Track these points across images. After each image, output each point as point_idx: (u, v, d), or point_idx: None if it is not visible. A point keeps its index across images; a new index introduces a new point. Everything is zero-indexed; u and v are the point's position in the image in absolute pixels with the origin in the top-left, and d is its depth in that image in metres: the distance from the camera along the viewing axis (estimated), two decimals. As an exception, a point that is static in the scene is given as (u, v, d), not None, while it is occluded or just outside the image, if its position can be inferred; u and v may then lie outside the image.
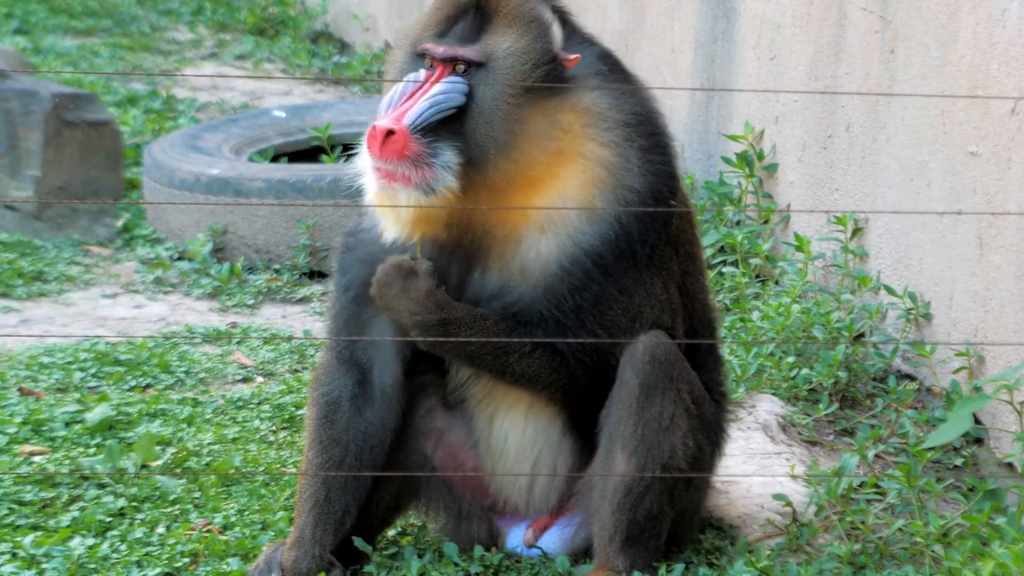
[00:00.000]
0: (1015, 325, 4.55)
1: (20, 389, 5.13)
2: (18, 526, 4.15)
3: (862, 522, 4.16)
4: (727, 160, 6.19)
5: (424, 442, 3.94)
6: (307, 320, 6.09)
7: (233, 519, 4.20)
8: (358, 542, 3.90)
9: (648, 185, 3.75)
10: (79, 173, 7.04)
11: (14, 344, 5.60)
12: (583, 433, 3.85)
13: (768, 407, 4.88)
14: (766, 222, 6.04)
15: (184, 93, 9.43)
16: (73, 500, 4.31)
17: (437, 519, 4.02)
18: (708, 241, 5.95)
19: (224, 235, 6.56)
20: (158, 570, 3.93)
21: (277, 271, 6.49)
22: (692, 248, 3.95)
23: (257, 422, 4.90)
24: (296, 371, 5.46)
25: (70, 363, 5.35)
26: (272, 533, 4.11)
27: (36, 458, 4.57)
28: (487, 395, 3.88)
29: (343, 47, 10.73)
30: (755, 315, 5.35)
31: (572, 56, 3.74)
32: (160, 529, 4.14)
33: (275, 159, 7.42)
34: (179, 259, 6.61)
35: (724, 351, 4.88)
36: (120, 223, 6.95)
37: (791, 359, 5.10)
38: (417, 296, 3.68)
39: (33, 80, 7.17)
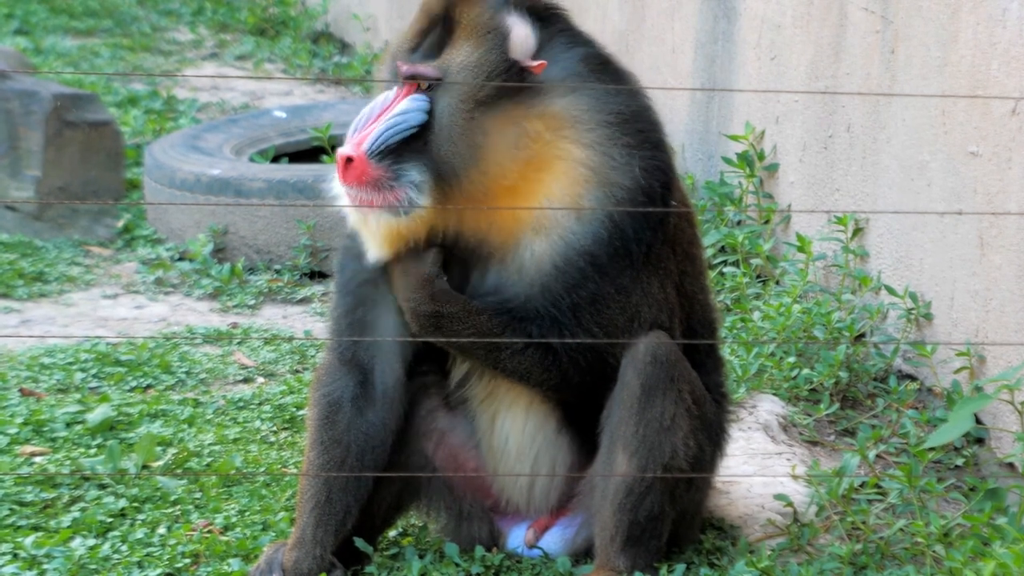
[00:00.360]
0: (1016, 325, 4.55)
1: (21, 390, 5.13)
2: (19, 527, 4.15)
3: (863, 522, 4.16)
4: (728, 160, 6.19)
5: (425, 443, 3.94)
6: (308, 320, 6.09)
7: (234, 520, 4.20)
8: (359, 543, 3.90)
9: (638, 182, 3.72)
10: (80, 173, 7.04)
11: (15, 345, 5.60)
12: (583, 432, 3.85)
13: (769, 407, 4.88)
14: (767, 222, 6.04)
15: (185, 93, 9.43)
16: (74, 501, 4.31)
17: (438, 520, 4.02)
18: (709, 241, 5.95)
19: (225, 235, 6.56)
20: (159, 571, 3.93)
21: (278, 271, 6.49)
22: (690, 248, 3.94)
23: (258, 423, 4.90)
24: (297, 372, 5.46)
25: (71, 364, 5.35)
26: (273, 534, 4.11)
27: (37, 459, 4.57)
28: (489, 395, 3.89)
29: (344, 47, 10.73)
30: (756, 315, 5.35)
31: (536, 63, 3.71)
32: (161, 530, 4.14)
33: (276, 159, 7.42)
34: (180, 259, 6.61)
35: (725, 351, 4.88)
36: (121, 223, 6.95)
37: (792, 359, 5.10)
38: (415, 281, 3.68)
39: (34, 80, 7.17)
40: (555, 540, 3.95)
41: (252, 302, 6.24)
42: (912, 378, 5.07)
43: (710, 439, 3.88)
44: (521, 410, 3.87)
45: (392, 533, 4.13)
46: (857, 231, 5.42)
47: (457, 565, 3.90)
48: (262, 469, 4.54)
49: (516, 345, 3.71)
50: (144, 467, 4.50)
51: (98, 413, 4.80)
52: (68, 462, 4.52)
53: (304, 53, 10.39)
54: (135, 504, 4.29)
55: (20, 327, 5.88)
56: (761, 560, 3.89)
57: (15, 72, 7.14)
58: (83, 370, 5.31)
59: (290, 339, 5.78)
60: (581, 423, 3.84)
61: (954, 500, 4.45)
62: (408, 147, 3.67)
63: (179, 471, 4.51)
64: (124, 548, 4.03)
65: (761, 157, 6.11)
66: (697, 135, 6.69)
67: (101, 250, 6.79)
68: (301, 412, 4.90)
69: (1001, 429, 4.60)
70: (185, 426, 4.84)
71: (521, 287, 3.71)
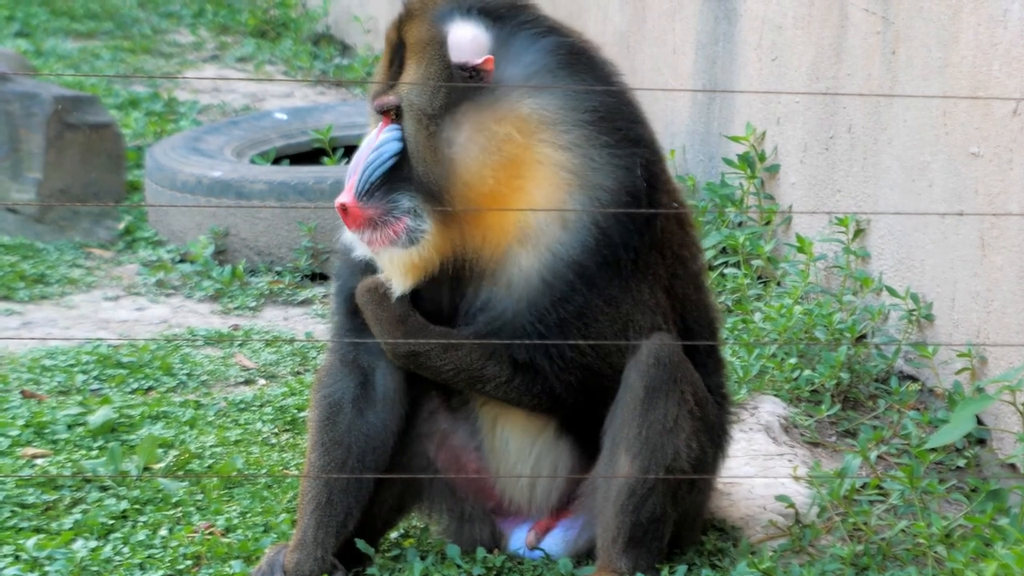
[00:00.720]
0: (1017, 326, 4.55)
1: (22, 392, 5.13)
2: (20, 529, 4.15)
3: (865, 523, 4.16)
4: (729, 161, 6.19)
5: (427, 444, 3.94)
6: (309, 322, 6.09)
7: (235, 521, 4.20)
8: (360, 544, 3.90)
9: (620, 181, 3.68)
10: (80, 175, 7.04)
11: (16, 347, 5.60)
12: (584, 434, 3.85)
13: (770, 408, 4.88)
14: (768, 223, 6.03)
15: (185, 95, 9.43)
16: (75, 503, 4.31)
17: (440, 521, 4.02)
18: (710, 243, 5.95)
19: (226, 237, 6.56)
20: (160, 572, 3.93)
21: (279, 273, 6.49)
22: (681, 250, 3.87)
23: (259, 424, 4.90)
24: (298, 373, 5.46)
25: (72, 366, 5.35)
26: (275, 535, 4.11)
27: (38, 461, 4.57)
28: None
29: (344, 49, 10.73)
30: (757, 316, 5.35)
31: (480, 60, 3.66)
32: (162, 532, 4.14)
33: (277, 161, 7.42)
34: (181, 261, 6.61)
35: (726, 352, 4.88)
36: (122, 225, 6.95)
37: (793, 360, 5.10)
38: (387, 324, 3.70)
39: (34, 83, 7.17)
40: (557, 542, 3.95)
41: (253, 304, 6.24)
42: (913, 379, 5.07)
43: (712, 440, 3.87)
44: (521, 413, 3.86)
45: (394, 535, 4.13)
46: (858, 232, 5.42)
47: (459, 567, 3.90)
48: (263, 471, 4.53)
49: (500, 378, 3.71)
50: (146, 469, 4.50)
51: (99, 415, 4.80)
52: (69, 464, 4.52)
53: (305, 55, 10.40)
54: (136, 506, 4.29)
55: (21, 329, 5.88)
56: (763, 561, 3.89)
57: (16, 74, 7.15)
58: (84, 372, 5.31)
59: (291, 341, 5.78)
60: (581, 425, 3.84)
61: (956, 501, 4.45)
62: (395, 177, 3.67)
63: (180, 473, 4.51)
64: (126, 550, 4.03)
65: (762, 158, 6.11)
66: (698, 136, 6.69)
67: (102, 252, 6.79)
68: (302, 414, 4.90)
69: (1003, 430, 4.60)
70: (186, 428, 4.84)
71: (508, 303, 3.68)
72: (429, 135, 3.65)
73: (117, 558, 3.99)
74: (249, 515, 4.24)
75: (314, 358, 5.54)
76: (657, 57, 6.99)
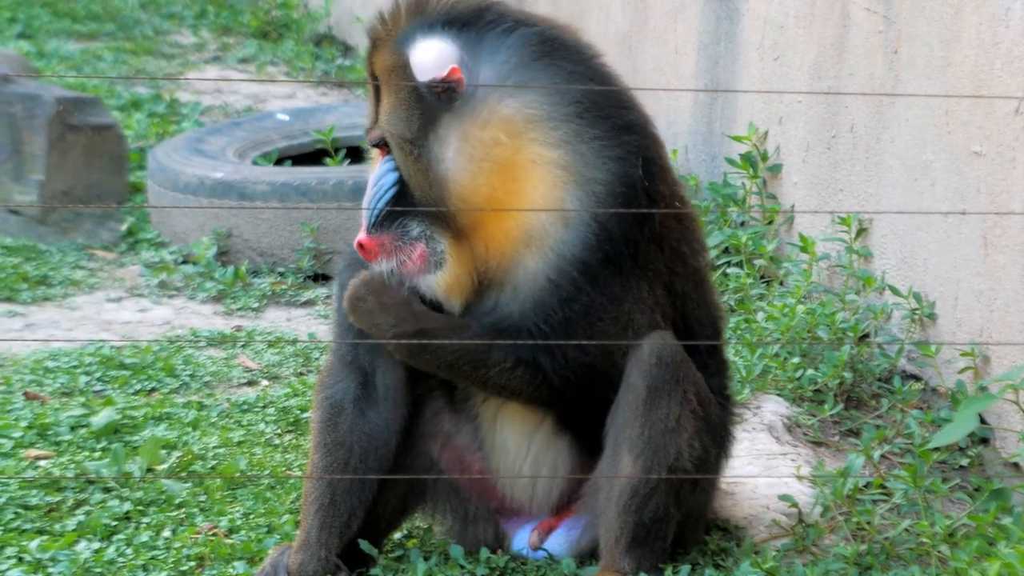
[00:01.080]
0: (1020, 325, 4.54)
1: (25, 393, 5.13)
2: (24, 530, 4.15)
3: (868, 523, 4.16)
4: (731, 161, 6.19)
5: (431, 444, 3.94)
6: (312, 323, 6.09)
7: (239, 522, 4.20)
8: (364, 545, 3.90)
9: (614, 173, 3.64)
10: (83, 177, 7.05)
11: (19, 348, 5.60)
12: (583, 432, 3.84)
13: (773, 408, 4.88)
14: (770, 223, 6.03)
15: (188, 97, 9.44)
16: (79, 504, 4.31)
17: (443, 522, 4.02)
18: (712, 242, 5.95)
19: (228, 238, 6.56)
20: (164, 574, 3.93)
21: (281, 274, 6.49)
22: (680, 245, 3.83)
23: (262, 425, 4.90)
24: (301, 374, 5.46)
25: (75, 367, 5.35)
26: (278, 536, 4.11)
27: (41, 462, 4.57)
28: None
29: (346, 50, 10.74)
30: (760, 316, 5.35)
31: (446, 72, 3.62)
32: (166, 533, 4.14)
33: (279, 162, 7.42)
34: (183, 263, 6.61)
35: (729, 352, 4.88)
36: (124, 227, 6.96)
37: (796, 360, 5.10)
38: (394, 306, 3.67)
39: (37, 84, 7.18)
40: (560, 542, 3.95)
41: (256, 305, 6.25)
42: (916, 378, 5.07)
43: (715, 440, 3.87)
44: (521, 410, 3.86)
45: (397, 535, 4.13)
46: (861, 231, 5.42)
47: (462, 567, 3.90)
48: (267, 472, 4.54)
49: (504, 364, 3.69)
50: (149, 470, 4.50)
51: (102, 416, 4.80)
52: (72, 465, 4.52)
53: (307, 56, 10.40)
54: (140, 507, 4.29)
55: (24, 331, 5.88)
56: (766, 561, 3.89)
57: (18, 76, 7.15)
58: (87, 373, 5.31)
59: (294, 342, 5.78)
60: (580, 423, 3.84)
61: (959, 500, 4.44)
62: (401, 205, 3.67)
63: (184, 474, 4.51)
64: (129, 551, 4.03)
65: (764, 158, 6.11)
66: (700, 136, 6.69)
67: (105, 253, 6.79)
68: (305, 415, 4.91)
69: (1006, 429, 4.60)
70: (189, 429, 4.85)
71: (516, 304, 3.68)
72: (416, 159, 3.64)
73: (120, 559, 3.99)
74: (252, 516, 4.24)
75: (317, 359, 5.54)
76: (659, 57, 6.99)
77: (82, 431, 4.77)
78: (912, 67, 5.11)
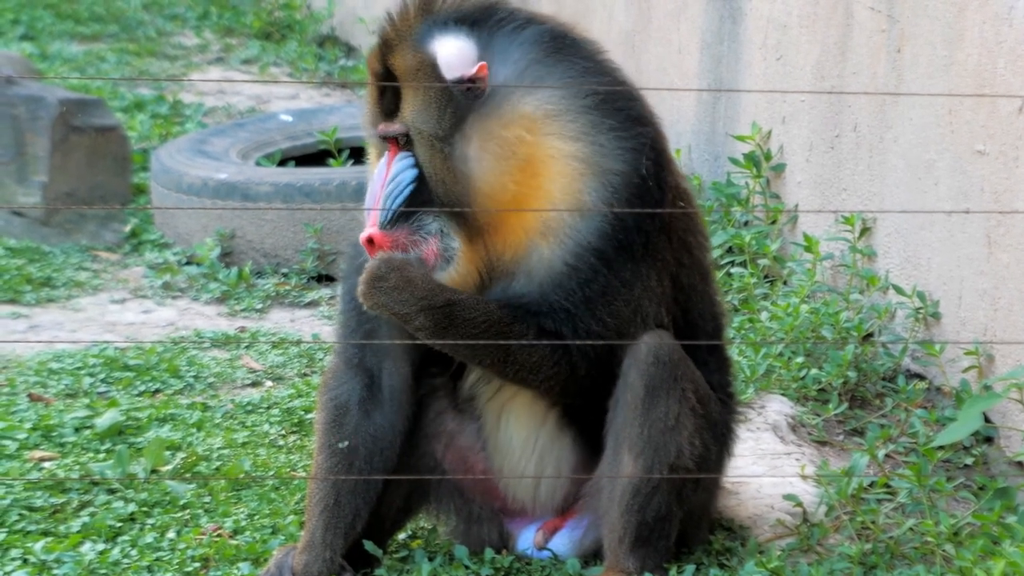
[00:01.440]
0: (1024, 324, 4.55)
1: (29, 395, 5.13)
2: (29, 532, 4.15)
3: (872, 522, 4.16)
4: (734, 161, 6.19)
5: (434, 445, 3.94)
6: (315, 324, 6.09)
7: (243, 523, 4.20)
8: (369, 545, 3.90)
9: (629, 163, 3.68)
10: (86, 178, 7.05)
11: (23, 350, 5.60)
12: (586, 431, 3.85)
13: (777, 407, 4.88)
14: (774, 222, 6.03)
15: (191, 98, 9.44)
16: (83, 505, 4.31)
17: (447, 522, 4.02)
18: (716, 242, 5.94)
19: (232, 239, 6.56)
20: (169, 575, 3.93)
21: (285, 275, 6.49)
22: (687, 236, 3.87)
23: (266, 426, 4.90)
24: (305, 375, 5.46)
25: (79, 369, 5.35)
26: (283, 537, 4.11)
27: (46, 464, 4.57)
28: (496, 393, 3.88)
29: (349, 51, 10.74)
30: (764, 315, 5.35)
31: (473, 70, 3.65)
32: (170, 534, 4.14)
33: (282, 163, 7.42)
34: (187, 264, 6.61)
35: (733, 352, 4.88)
36: (128, 228, 6.96)
37: (800, 359, 5.09)
38: (420, 280, 3.64)
39: (40, 86, 7.18)
40: (564, 542, 3.95)
41: (260, 306, 6.25)
42: (921, 377, 5.06)
43: (716, 438, 3.87)
44: (524, 408, 3.86)
45: (402, 536, 4.13)
46: (864, 231, 5.42)
47: (467, 567, 3.90)
48: (271, 473, 4.54)
49: (528, 336, 3.67)
50: (153, 471, 4.51)
51: (107, 418, 4.80)
52: (77, 467, 4.52)
53: (310, 57, 10.40)
54: (144, 509, 4.29)
55: (28, 332, 5.89)
56: (771, 560, 3.89)
57: (21, 77, 7.15)
58: (91, 375, 5.31)
59: (298, 342, 5.78)
60: (583, 422, 3.84)
61: (964, 499, 4.44)
62: (416, 202, 3.67)
63: (188, 475, 4.51)
64: (134, 553, 4.03)
65: (768, 157, 6.11)
66: (703, 136, 6.69)
67: (108, 255, 6.79)
68: (309, 416, 4.91)
69: (1010, 428, 4.60)
70: (194, 430, 4.85)
71: (532, 287, 3.69)
72: (444, 157, 3.65)
73: (125, 561, 4.00)
74: (257, 517, 4.24)
75: (321, 360, 5.54)
76: (662, 57, 6.99)
77: (86, 432, 4.77)
78: (915, 66, 5.11)
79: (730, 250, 5.99)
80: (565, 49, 3.74)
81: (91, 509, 4.28)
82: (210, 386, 5.33)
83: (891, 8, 5.25)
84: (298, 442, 4.79)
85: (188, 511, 4.28)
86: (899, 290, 5.10)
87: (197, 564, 3.98)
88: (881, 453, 4.55)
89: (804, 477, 4.35)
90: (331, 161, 7.19)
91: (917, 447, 4.65)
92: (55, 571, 3.93)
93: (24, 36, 10.69)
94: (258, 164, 7.22)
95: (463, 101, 3.66)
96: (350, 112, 7.79)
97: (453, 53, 3.68)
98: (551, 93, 3.67)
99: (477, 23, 3.72)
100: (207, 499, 4.36)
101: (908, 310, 5.07)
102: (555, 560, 3.92)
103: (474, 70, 3.66)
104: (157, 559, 4.00)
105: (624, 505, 3.72)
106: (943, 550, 4.01)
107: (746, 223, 6.17)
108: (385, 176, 3.69)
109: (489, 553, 3.92)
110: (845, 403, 4.97)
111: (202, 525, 4.19)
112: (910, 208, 5.14)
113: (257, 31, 11.09)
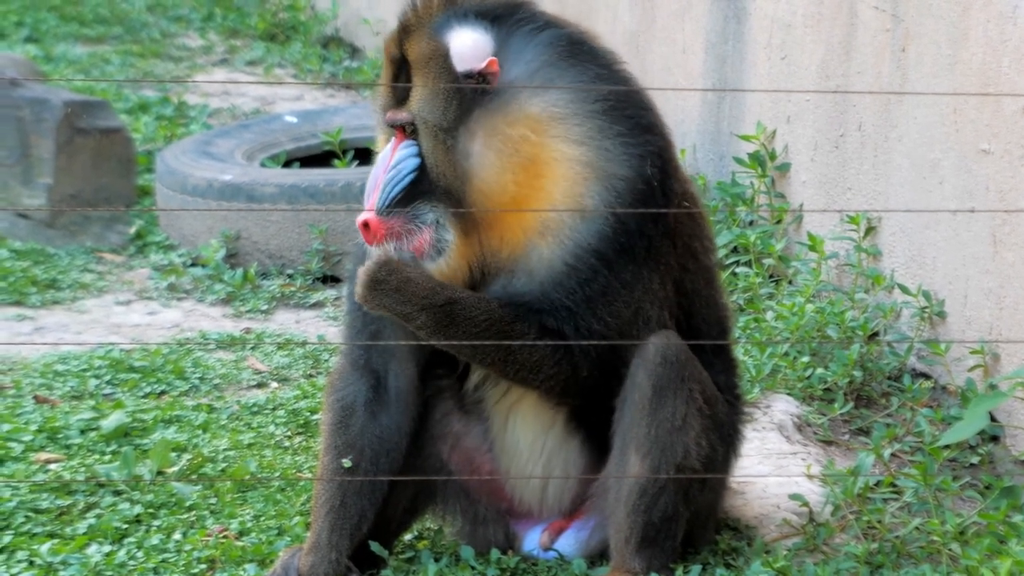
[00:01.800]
0: (1030, 322, 4.55)
1: (35, 397, 5.14)
2: (35, 534, 4.16)
3: (879, 521, 4.15)
4: (739, 160, 6.19)
5: (440, 446, 3.94)
6: (321, 325, 6.09)
7: (249, 525, 4.20)
8: (375, 547, 3.90)
9: (635, 170, 3.68)
10: (91, 180, 7.05)
11: (28, 352, 5.61)
12: (593, 433, 3.84)
13: (783, 407, 4.88)
14: (779, 222, 6.03)
15: (195, 99, 9.44)
16: (89, 507, 4.31)
17: (453, 523, 4.02)
18: (721, 241, 5.94)
19: (237, 241, 6.56)
20: (175, 576, 3.94)
21: (290, 276, 6.49)
22: (692, 242, 3.87)
23: (272, 427, 4.90)
24: (310, 376, 5.46)
25: (85, 370, 5.36)
26: (289, 539, 4.11)
27: (52, 466, 4.58)
28: (503, 396, 3.88)
29: (354, 52, 10.74)
30: (769, 315, 5.35)
31: (484, 64, 3.67)
32: (176, 535, 4.14)
33: (287, 164, 7.43)
34: (192, 265, 6.62)
35: (739, 352, 4.87)
36: (133, 230, 6.96)
37: (806, 359, 5.09)
38: (420, 278, 3.65)
39: (44, 88, 7.18)
40: (570, 542, 3.95)
41: (265, 307, 6.25)
42: (926, 376, 5.06)
43: (722, 439, 3.87)
44: (532, 410, 3.86)
45: (408, 537, 4.13)
46: (869, 230, 5.42)
47: (473, 568, 3.90)
48: (277, 474, 4.54)
49: (529, 335, 3.67)
50: (159, 473, 4.51)
51: (112, 419, 4.81)
52: (83, 469, 4.52)
53: (314, 58, 10.40)
54: (150, 510, 4.29)
55: (34, 334, 5.89)
56: (777, 560, 3.89)
57: (26, 80, 7.16)
58: (97, 377, 5.32)
59: (303, 343, 5.78)
60: (591, 424, 3.84)
61: (970, 498, 4.44)
62: (416, 191, 3.67)
63: (194, 477, 4.51)
64: (140, 554, 4.04)
65: (772, 157, 6.11)
66: (708, 135, 6.69)
67: (114, 257, 6.80)
68: (315, 417, 4.91)
69: (1016, 427, 4.60)
70: (199, 432, 4.85)
71: (532, 285, 3.69)
72: (447, 149, 3.65)
73: (131, 562, 4.00)
74: (263, 518, 4.24)
75: (326, 361, 5.54)
76: (667, 56, 6.99)
77: (92, 434, 4.78)
78: (920, 65, 5.11)
79: (735, 250, 5.99)
80: (580, 55, 3.74)
81: (97, 511, 4.29)
82: (216, 387, 5.33)
83: (895, 7, 5.24)
84: (304, 443, 4.79)
85: (194, 512, 4.29)
86: (904, 289, 5.09)
87: (203, 565, 3.99)
88: (887, 452, 4.55)
89: (810, 477, 4.35)
90: (336, 162, 7.19)
91: (923, 446, 4.65)
92: (61, 573, 3.93)
93: (28, 38, 10.70)
94: (263, 165, 7.23)
95: (470, 94, 3.66)
96: (355, 113, 7.79)
97: (467, 45, 3.68)
98: (559, 96, 3.67)
99: (497, 19, 3.73)
100: (213, 500, 4.36)
101: (913, 309, 5.07)
102: (561, 561, 3.92)
103: (484, 64, 3.67)
104: (163, 561, 4.00)
105: (631, 505, 3.72)
106: (949, 549, 4.00)
107: (751, 223, 6.17)
108: (388, 163, 3.69)
109: (495, 554, 3.92)
110: (851, 402, 4.97)
111: (208, 526, 4.20)
112: (915, 207, 5.14)
113: (261, 32, 11.10)
